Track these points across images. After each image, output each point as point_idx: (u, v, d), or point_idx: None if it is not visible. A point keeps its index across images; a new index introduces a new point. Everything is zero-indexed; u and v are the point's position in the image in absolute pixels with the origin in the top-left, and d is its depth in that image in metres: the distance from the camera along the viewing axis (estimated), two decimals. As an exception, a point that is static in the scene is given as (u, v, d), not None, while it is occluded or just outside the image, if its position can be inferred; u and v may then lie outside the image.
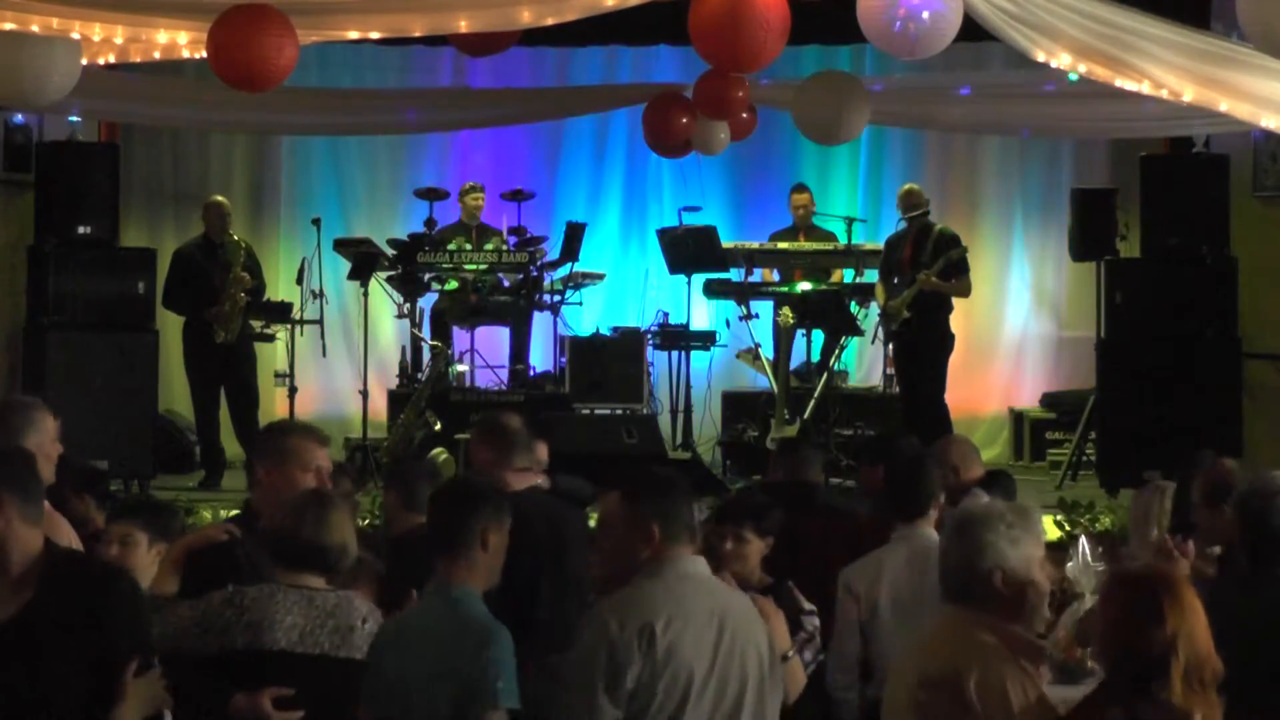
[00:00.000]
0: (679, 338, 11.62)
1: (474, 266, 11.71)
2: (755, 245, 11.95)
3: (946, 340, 10.94)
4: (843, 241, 12.03)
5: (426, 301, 12.02)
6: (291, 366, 11.10)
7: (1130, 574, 3.86)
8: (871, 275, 11.60)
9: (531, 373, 11.92)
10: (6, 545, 3.95)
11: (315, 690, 4.38)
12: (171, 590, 4.72)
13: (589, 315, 12.67)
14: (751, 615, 4.36)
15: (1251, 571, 4.91)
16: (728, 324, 11.85)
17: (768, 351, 11.42)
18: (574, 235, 11.78)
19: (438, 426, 10.73)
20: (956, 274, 10.85)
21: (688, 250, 11.52)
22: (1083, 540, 7.43)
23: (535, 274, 11.73)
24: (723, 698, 4.15)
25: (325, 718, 4.39)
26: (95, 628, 3.94)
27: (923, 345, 10.87)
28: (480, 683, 4.15)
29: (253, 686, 4.37)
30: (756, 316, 11.57)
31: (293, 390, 11.01)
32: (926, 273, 10.72)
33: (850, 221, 12.00)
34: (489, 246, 11.90)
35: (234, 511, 9.40)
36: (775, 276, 12.12)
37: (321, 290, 11.29)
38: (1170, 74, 7.18)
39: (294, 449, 5.04)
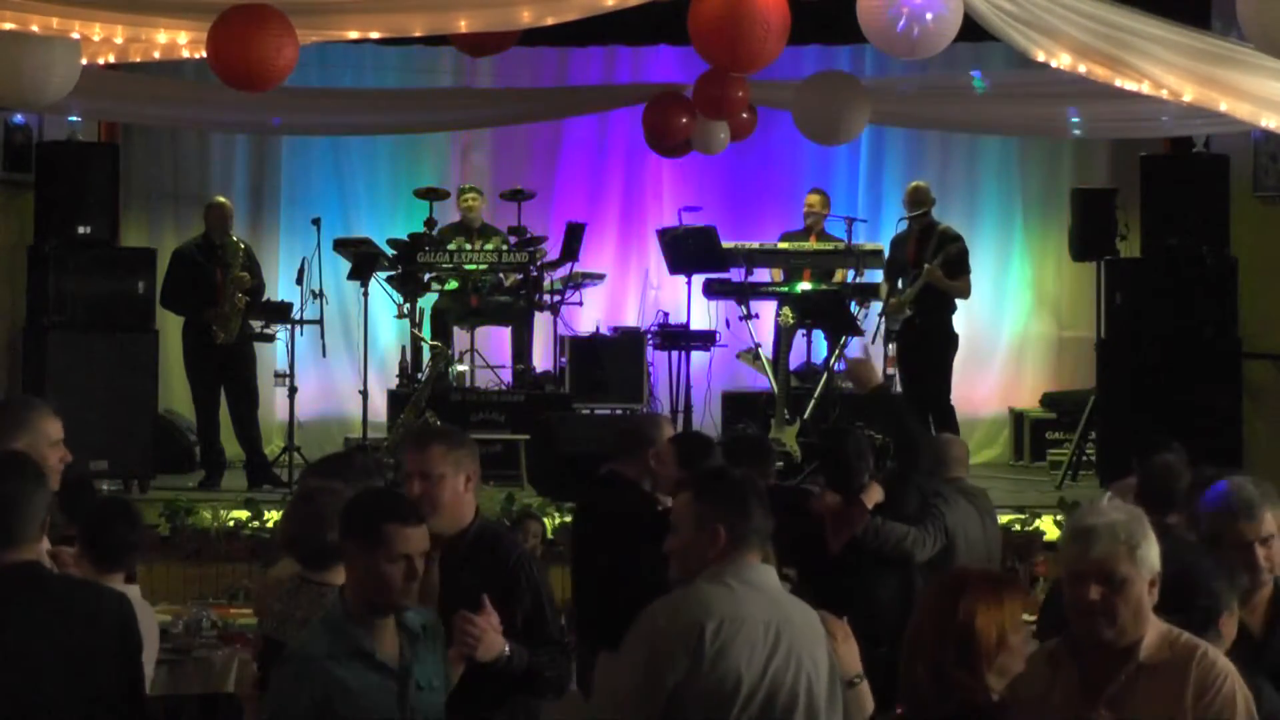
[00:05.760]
0: (679, 338, 11.61)
1: (474, 266, 11.70)
2: (755, 245, 11.93)
3: (951, 340, 10.94)
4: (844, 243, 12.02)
5: (426, 301, 12.02)
6: (291, 366, 11.10)
7: (945, 574, 3.89)
8: (871, 275, 11.61)
9: (531, 373, 11.92)
10: None
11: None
12: None
13: (589, 315, 12.66)
14: (813, 632, 4.14)
15: None
16: (728, 324, 11.85)
17: (768, 351, 11.41)
18: (574, 235, 11.78)
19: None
20: (957, 273, 10.85)
21: (688, 250, 11.51)
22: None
23: (535, 274, 11.73)
24: (769, 711, 3.97)
25: None
26: None
27: (927, 345, 10.87)
28: None
29: None
30: (756, 316, 11.56)
31: (293, 390, 11.01)
32: (931, 265, 10.74)
33: (850, 221, 11.99)
34: (489, 246, 11.90)
35: (236, 511, 9.59)
36: (782, 277, 12.09)
37: (321, 290, 11.29)
38: (1170, 74, 7.17)
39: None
